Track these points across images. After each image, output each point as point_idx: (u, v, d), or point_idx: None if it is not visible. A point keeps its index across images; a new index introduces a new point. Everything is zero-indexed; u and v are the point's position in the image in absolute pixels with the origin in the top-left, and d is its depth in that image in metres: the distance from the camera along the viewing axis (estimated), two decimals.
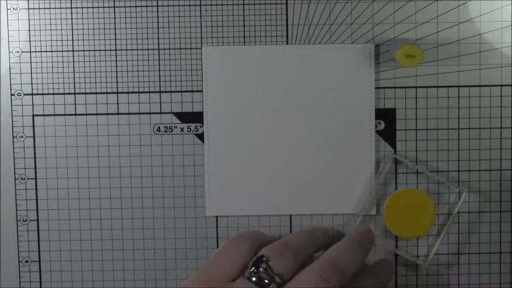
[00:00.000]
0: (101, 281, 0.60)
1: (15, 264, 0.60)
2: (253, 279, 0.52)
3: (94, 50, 0.58)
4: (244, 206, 0.59)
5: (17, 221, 0.60)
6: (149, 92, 0.59)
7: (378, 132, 0.59)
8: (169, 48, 0.58)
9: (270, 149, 0.59)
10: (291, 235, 0.56)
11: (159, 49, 0.58)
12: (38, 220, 0.60)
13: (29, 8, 0.58)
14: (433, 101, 0.59)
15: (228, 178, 0.59)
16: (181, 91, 0.59)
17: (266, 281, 0.52)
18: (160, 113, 0.59)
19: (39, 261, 0.60)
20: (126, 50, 0.58)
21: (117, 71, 0.59)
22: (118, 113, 0.59)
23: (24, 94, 0.59)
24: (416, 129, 0.59)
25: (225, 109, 0.58)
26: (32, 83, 0.59)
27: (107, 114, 0.59)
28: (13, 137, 0.59)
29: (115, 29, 0.58)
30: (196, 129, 0.59)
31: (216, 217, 0.60)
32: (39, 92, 0.59)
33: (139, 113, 0.59)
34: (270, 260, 0.53)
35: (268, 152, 0.59)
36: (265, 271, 0.52)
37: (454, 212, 0.59)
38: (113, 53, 0.58)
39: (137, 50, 0.58)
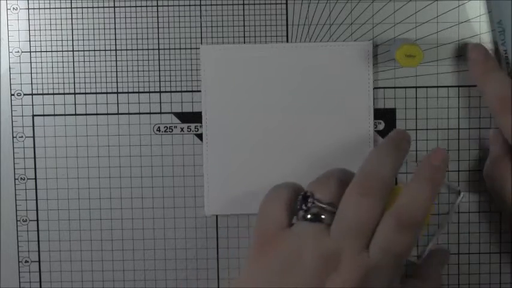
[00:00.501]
0: (101, 281, 0.60)
1: (15, 264, 0.60)
2: (308, 216, 0.50)
3: (94, 50, 0.58)
4: (244, 206, 0.59)
5: (17, 221, 0.59)
6: (149, 92, 0.59)
7: (377, 132, 0.59)
8: (169, 48, 0.58)
9: (269, 148, 0.58)
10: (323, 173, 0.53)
11: (159, 49, 0.58)
12: (37, 220, 0.59)
13: (28, 8, 0.58)
14: (433, 101, 0.59)
15: (227, 178, 0.59)
16: (181, 91, 0.59)
17: (320, 214, 0.49)
18: (160, 113, 0.59)
19: (39, 261, 0.60)
20: (126, 50, 0.58)
21: (117, 71, 0.59)
22: (118, 113, 0.59)
23: (24, 94, 0.59)
24: (416, 129, 0.59)
25: (224, 109, 0.58)
26: (32, 83, 0.59)
27: (107, 114, 0.59)
28: (13, 137, 0.59)
29: (115, 29, 0.58)
30: (196, 129, 0.59)
31: (216, 217, 0.60)
32: (39, 92, 0.59)
33: (139, 113, 0.59)
34: (315, 193, 0.51)
35: (268, 151, 0.59)
36: (314, 204, 0.50)
37: (451, 212, 0.59)
38: (113, 53, 0.58)
39: (137, 50, 0.58)
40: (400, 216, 0.49)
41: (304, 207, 0.50)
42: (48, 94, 0.59)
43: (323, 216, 0.50)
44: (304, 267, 0.48)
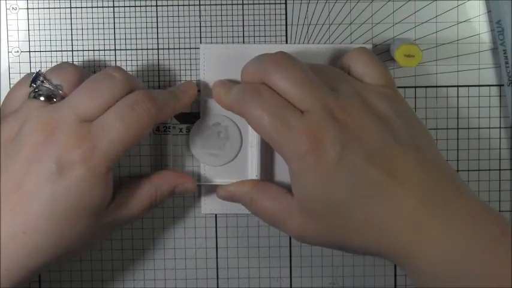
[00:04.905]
0: (100, 281, 0.60)
1: None
2: (33, 95, 0.53)
3: (93, 50, 0.58)
4: (240, 205, 0.58)
5: None
6: None
7: None
8: (169, 48, 0.59)
9: (267, 147, 0.58)
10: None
11: (158, 49, 0.58)
12: None
13: (28, 8, 0.58)
14: (432, 100, 0.59)
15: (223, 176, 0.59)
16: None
17: (47, 94, 0.53)
18: None
19: None
20: (126, 49, 0.58)
21: None
22: None
23: None
24: None
25: (222, 108, 0.57)
26: None
27: None
28: None
29: (114, 28, 0.58)
30: None
31: (215, 216, 0.60)
32: None
33: None
34: (48, 74, 0.53)
35: (265, 150, 0.58)
36: (43, 84, 0.53)
37: None
38: (112, 52, 0.58)
39: (136, 49, 0.58)
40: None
41: (33, 85, 0.53)
42: None
43: (42, 99, 0.52)
44: (22, 135, 0.51)
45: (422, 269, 0.49)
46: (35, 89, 0.53)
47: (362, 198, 0.50)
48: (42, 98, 0.52)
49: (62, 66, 0.54)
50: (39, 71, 0.54)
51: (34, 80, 0.53)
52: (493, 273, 0.48)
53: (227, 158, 0.58)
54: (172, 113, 0.55)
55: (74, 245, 0.52)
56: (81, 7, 0.58)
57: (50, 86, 0.53)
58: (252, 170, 0.58)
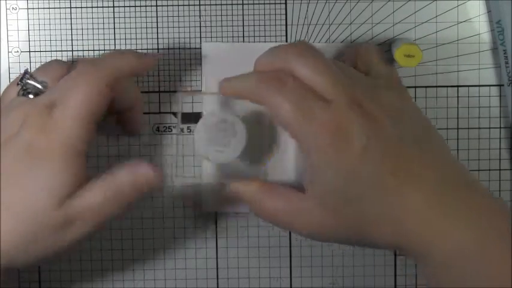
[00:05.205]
0: (100, 281, 0.60)
1: None
2: (21, 92, 0.53)
3: (93, 50, 0.59)
4: (241, 204, 0.58)
5: None
6: (148, 92, 0.59)
7: None
8: (169, 48, 0.59)
9: (267, 146, 0.58)
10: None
11: (158, 49, 0.59)
12: None
13: (28, 8, 0.58)
14: (432, 100, 0.59)
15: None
16: (181, 91, 0.59)
17: (33, 91, 0.53)
18: (160, 112, 0.59)
19: None
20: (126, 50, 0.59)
21: None
22: None
23: None
24: None
25: (223, 109, 0.57)
26: None
27: None
28: None
29: (114, 28, 0.58)
30: None
31: (216, 216, 0.60)
32: None
33: None
34: (35, 72, 0.54)
35: (266, 149, 0.59)
36: (29, 83, 0.53)
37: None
38: None
39: (136, 49, 0.58)
40: None
41: (20, 83, 0.54)
42: None
43: (31, 96, 0.53)
44: (4, 128, 0.51)
45: (436, 261, 0.49)
46: (22, 86, 0.53)
47: (381, 190, 0.50)
48: (31, 96, 0.53)
49: (49, 63, 0.55)
50: (26, 69, 0.54)
51: (21, 79, 0.53)
52: (499, 271, 0.48)
53: (233, 155, 0.58)
54: (122, 72, 0.53)
55: (46, 234, 0.50)
56: (81, 7, 0.58)
57: (35, 83, 0.53)
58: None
